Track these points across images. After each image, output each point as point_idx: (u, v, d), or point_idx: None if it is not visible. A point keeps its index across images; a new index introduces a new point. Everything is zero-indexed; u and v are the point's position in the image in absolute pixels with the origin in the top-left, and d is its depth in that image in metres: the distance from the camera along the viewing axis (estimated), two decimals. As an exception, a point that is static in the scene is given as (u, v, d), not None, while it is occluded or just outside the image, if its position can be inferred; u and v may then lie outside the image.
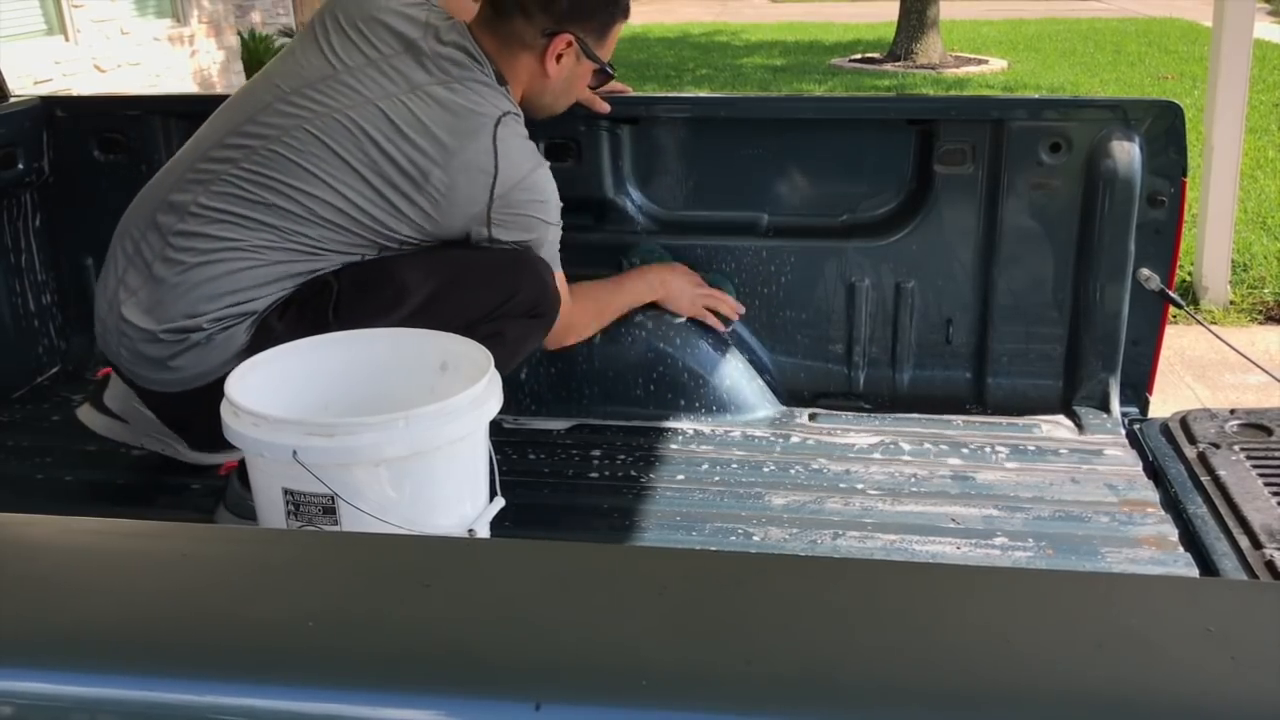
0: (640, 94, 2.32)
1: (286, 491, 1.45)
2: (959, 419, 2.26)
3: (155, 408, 1.88)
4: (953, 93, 9.09)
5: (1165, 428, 2.13)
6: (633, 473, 2.06)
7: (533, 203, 1.82)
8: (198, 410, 1.69)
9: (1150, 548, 1.79)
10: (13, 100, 2.44)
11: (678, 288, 2.23)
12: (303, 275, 1.76)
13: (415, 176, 1.74)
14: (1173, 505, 1.90)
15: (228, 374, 1.55)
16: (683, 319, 2.25)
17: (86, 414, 2.04)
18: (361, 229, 1.76)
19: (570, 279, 2.04)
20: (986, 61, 11.12)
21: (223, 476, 1.94)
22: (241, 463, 1.82)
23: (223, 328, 1.73)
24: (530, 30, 1.83)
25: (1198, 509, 1.85)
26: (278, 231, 1.74)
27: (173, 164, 1.86)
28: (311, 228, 1.74)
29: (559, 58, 1.86)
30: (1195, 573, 1.71)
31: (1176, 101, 2.17)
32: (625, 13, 1.93)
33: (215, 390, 1.52)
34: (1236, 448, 2.00)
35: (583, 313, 2.06)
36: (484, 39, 1.83)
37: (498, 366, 1.91)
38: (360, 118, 1.74)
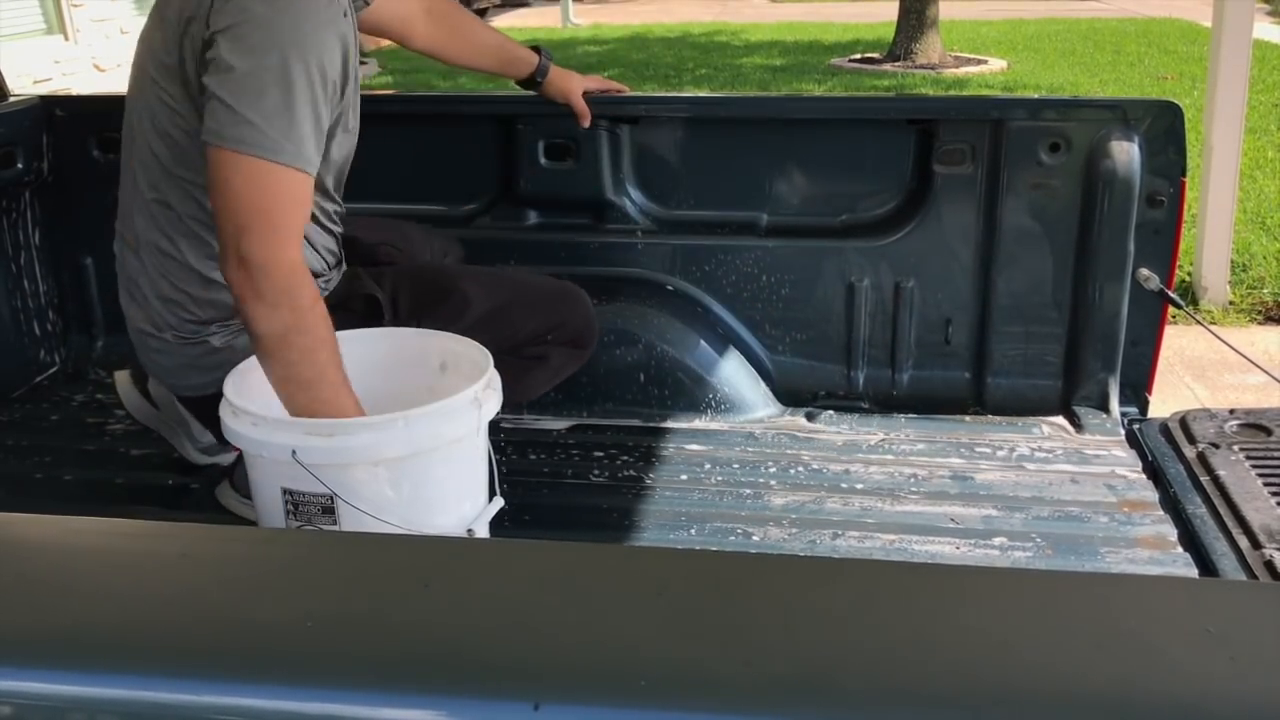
0: (639, 94, 2.33)
1: (286, 491, 1.45)
2: (958, 419, 2.26)
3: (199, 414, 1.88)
4: (952, 93, 9.09)
5: (1164, 428, 2.13)
6: (632, 473, 2.06)
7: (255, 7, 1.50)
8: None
9: (1149, 548, 1.79)
10: (12, 100, 2.44)
11: None
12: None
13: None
14: (1172, 505, 1.90)
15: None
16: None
17: (124, 385, 2.03)
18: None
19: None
20: (986, 61, 11.11)
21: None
22: None
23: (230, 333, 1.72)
24: None
25: (1197, 509, 1.85)
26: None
27: None
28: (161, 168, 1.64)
29: None
30: (1194, 573, 1.71)
31: (1176, 102, 2.17)
32: None
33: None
34: (1236, 448, 2.00)
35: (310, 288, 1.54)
36: None
37: (535, 388, 2.00)
38: None
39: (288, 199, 1.50)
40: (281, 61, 1.48)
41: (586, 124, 2.21)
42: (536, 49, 2.21)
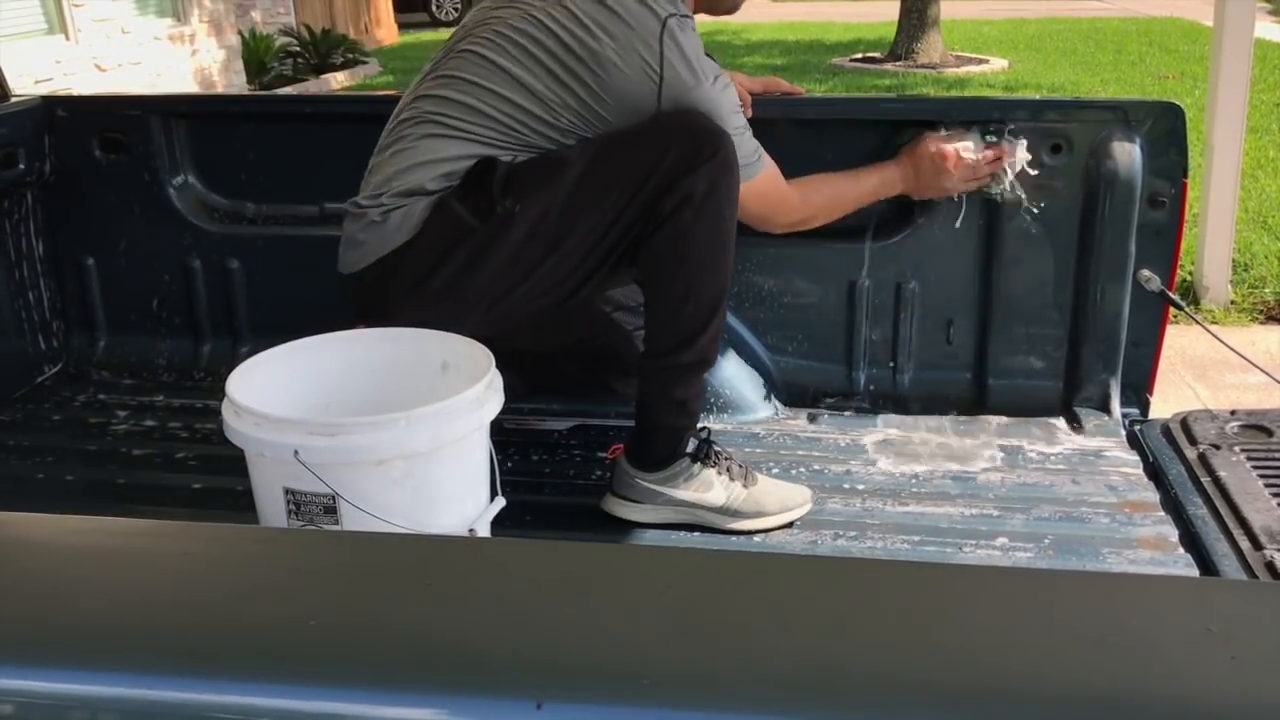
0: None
1: (288, 491, 1.45)
2: (960, 419, 2.26)
3: (352, 295, 1.91)
4: (953, 93, 9.09)
5: (1166, 428, 2.13)
6: None
7: (707, 111, 1.79)
8: (380, 286, 1.82)
9: (1150, 549, 1.79)
10: (14, 100, 2.44)
11: (925, 181, 2.16)
12: (474, 159, 1.80)
13: (584, 71, 1.76)
14: (1173, 506, 1.90)
15: (400, 244, 1.78)
16: None
17: None
18: (534, 121, 1.79)
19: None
20: (987, 61, 11.11)
21: (608, 462, 1.98)
22: (628, 445, 1.88)
23: (396, 206, 1.80)
24: None
25: (1198, 510, 1.85)
26: (449, 123, 1.81)
27: None
28: (480, 120, 1.80)
29: None
30: (1195, 574, 1.71)
31: (1177, 103, 2.17)
32: None
33: (391, 262, 1.78)
34: (1237, 449, 2.00)
35: (802, 195, 2.06)
36: None
37: (718, 230, 1.78)
38: (537, 12, 1.79)
39: None
40: None
41: (747, 114, 2.12)
42: None
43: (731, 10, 2.03)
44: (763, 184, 1.92)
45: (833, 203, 2.12)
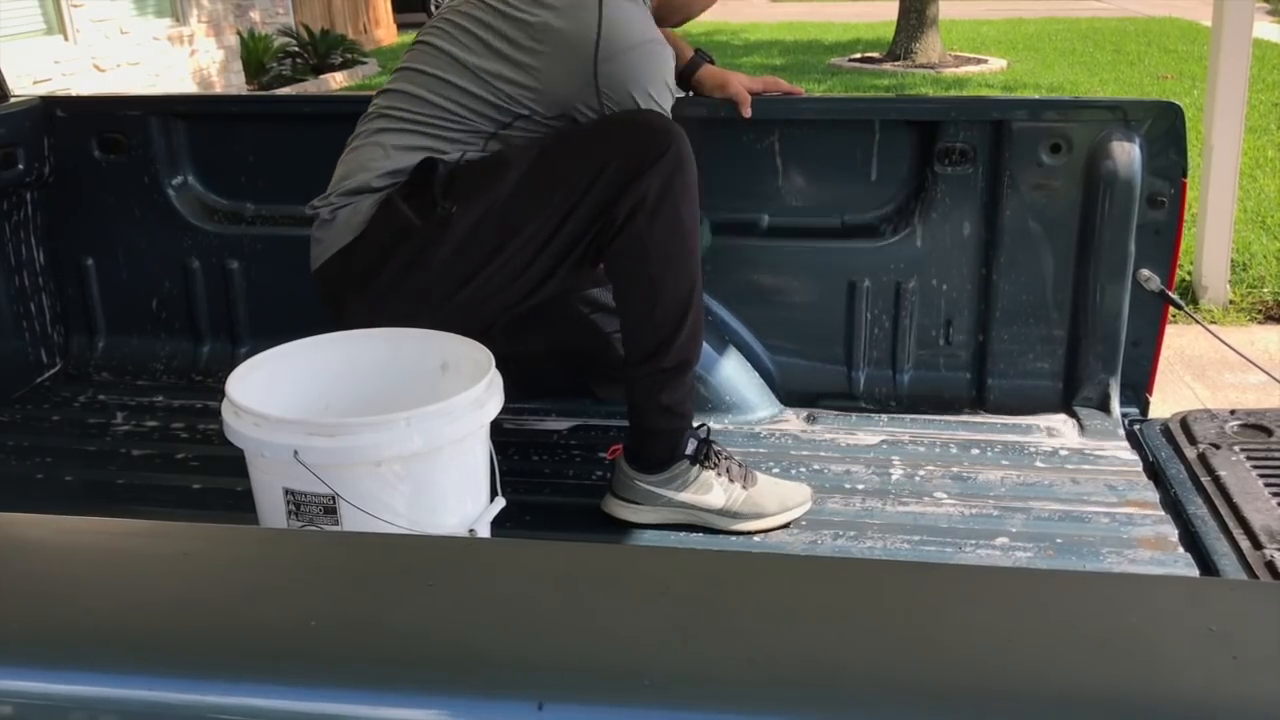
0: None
1: (288, 491, 1.45)
2: (959, 419, 2.26)
3: (319, 294, 1.92)
4: (952, 93, 9.09)
5: (1165, 428, 2.13)
6: None
7: (638, 76, 1.77)
8: (335, 284, 1.85)
9: (1150, 548, 1.79)
10: (13, 100, 2.44)
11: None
12: (419, 150, 1.81)
13: (520, 35, 1.76)
14: (1173, 506, 1.90)
15: (349, 242, 1.80)
16: None
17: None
18: (472, 100, 1.79)
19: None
20: (986, 61, 11.11)
21: (609, 461, 1.98)
22: (626, 447, 1.89)
23: (344, 205, 1.83)
24: None
25: (1198, 509, 1.85)
26: (397, 115, 1.83)
27: None
28: (424, 108, 1.81)
29: None
30: (1195, 573, 1.71)
31: (1176, 102, 2.17)
32: None
33: (341, 259, 1.81)
34: (1237, 448, 2.00)
35: None
36: None
37: (677, 231, 1.74)
38: None
39: None
40: None
41: (747, 114, 2.14)
42: (697, 49, 2.20)
43: (679, 24, 2.03)
44: None
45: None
